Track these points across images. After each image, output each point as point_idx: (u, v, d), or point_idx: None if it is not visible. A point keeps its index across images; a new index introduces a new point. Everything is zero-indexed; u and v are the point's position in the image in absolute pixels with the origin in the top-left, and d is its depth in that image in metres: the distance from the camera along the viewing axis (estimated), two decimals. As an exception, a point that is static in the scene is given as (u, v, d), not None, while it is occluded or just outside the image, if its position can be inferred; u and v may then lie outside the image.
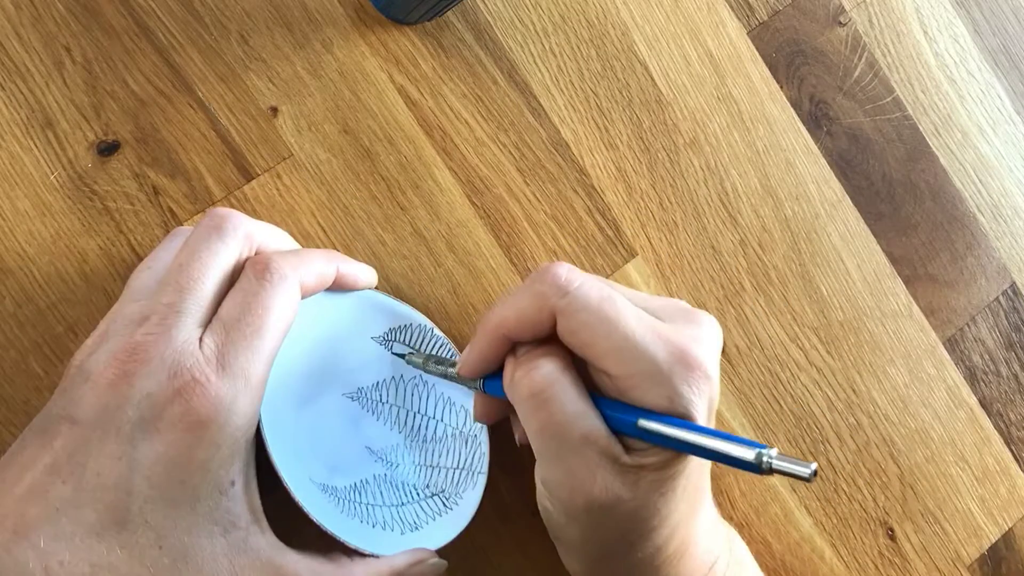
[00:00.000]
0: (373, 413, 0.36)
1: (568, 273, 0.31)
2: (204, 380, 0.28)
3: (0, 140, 0.35)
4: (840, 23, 0.46)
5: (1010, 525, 0.45)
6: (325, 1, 0.39)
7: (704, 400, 0.30)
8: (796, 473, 0.27)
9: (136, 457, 0.27)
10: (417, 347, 0.37)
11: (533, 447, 0.31)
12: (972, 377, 0.46)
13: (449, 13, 0.40)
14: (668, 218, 0.43)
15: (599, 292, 0.30)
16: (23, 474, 0.27)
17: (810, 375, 0.44)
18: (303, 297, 0.32)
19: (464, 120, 0.40)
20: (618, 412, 0.30)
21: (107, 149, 0.36)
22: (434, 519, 0.35)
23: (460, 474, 0.37)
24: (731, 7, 0.45)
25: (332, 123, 0.39)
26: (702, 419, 0.30)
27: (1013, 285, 0.48)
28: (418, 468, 0.37)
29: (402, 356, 0.37)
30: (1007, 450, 0.46)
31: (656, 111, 0.43)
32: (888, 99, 0.47)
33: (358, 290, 0.36)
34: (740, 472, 0.42)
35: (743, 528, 0.42)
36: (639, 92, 0.43)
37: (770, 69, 0.45)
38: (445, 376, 0.35)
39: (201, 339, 0.29)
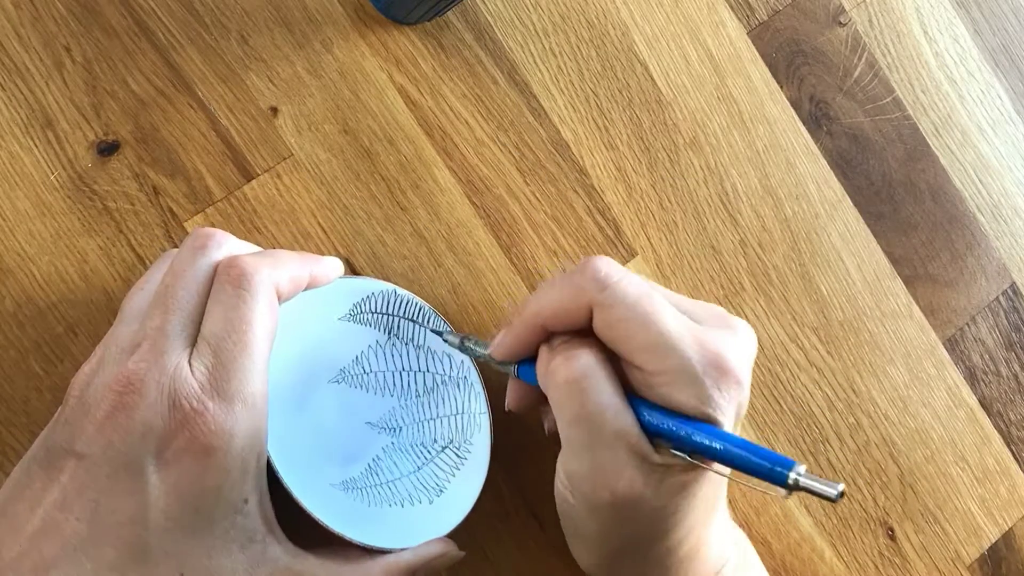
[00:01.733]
0: (361, 387, 0.37)
1: (608, 267, 0.31)
2: (202, 410, 0.28)
3: (0, 140, 0.35)
4: (840, 23, 0.46)
5: (1010, 525, 0.45)
6: (325, 1, 0.39)
7: (732, 406, 0.30)
8: (823, 493, 0.27)
9: (149, 491, 0.27)
10: (387, 312, 0.37)
11: (562, 436, 0.31)
12: (972, 377, 0.46)
13: (449, 13, 0.40)
14: (668, 218, 0.43)
15: (638, 288, 0.30)
16: (34, 509, 0.27)
17: (810, 375, 0.44)
18: (281, 300, 0.31)
19: (464, 120, 0.40)
20: (651, 412, 0.30)
21: (107, 149, 0.36)
22: (453, 475, 0.36)
23: (462, 419, 0.37)
24: (731, 7, 0.45)
25: (332, 123, 0.39)
26: (728, 424, 0.30)
27: (1013, 285, 0.48)
28: (420, 424, 0.37)
29: (439, 333, 0.37)
30: (1007, 450, 0.46)
31: (656, 111, 0.43)
32: (888, 99, 0.47)
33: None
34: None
35: (743, 528, 0.42)
36: (639, 92, 0.43)
37: (770, 69, 0.45)
38: (479, 356, 0.35)
39: (191, 363, 0.28)
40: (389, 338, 0.37)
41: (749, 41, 0.45)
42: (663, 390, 0.30)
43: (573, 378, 0.30)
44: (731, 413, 0.30)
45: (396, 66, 0.40)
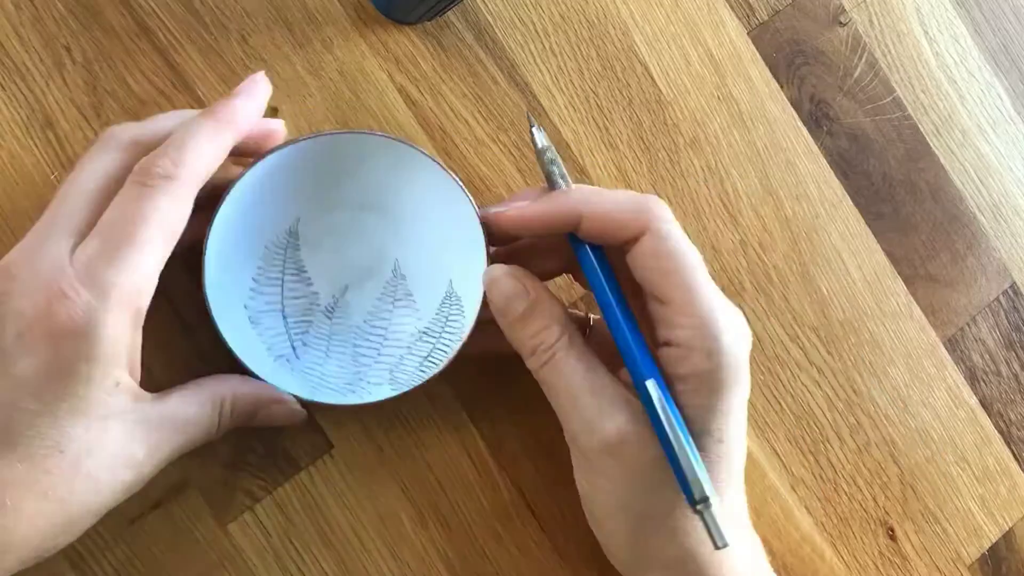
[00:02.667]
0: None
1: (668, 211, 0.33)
2: (72, 295, 0.28)
3: (0, 140, 0.35)
4: (840, 23, 0.46)
5: (1010, 525, 0.45)
6: (325, 1, 0.39)
7: (742, 405, 0.32)
8: (712, 534, 0.30)
9: (16, 374, 0.28)
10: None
11: (555, 407, 0.33)
12: (972, 377, 0.46)
13: (449, 13, 0.40)
14: (668, 218, 0.43)
15: (688, 242, 0.33)
16: None
17: (810, 375, 0.44)
18: (204, 181, 0.31)
19: (464, 120, 0.40)
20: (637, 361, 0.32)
21: (107, 149, 0.36)
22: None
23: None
24: (731, 7, 0.45)
25: (332, 123, 0.39)
26: (731, 420, 0.32)
27: (1013, 285, 0.48)
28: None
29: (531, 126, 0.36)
30: (1007, 450, 0.46)
31: (656, 111, 0.43)
32: (888, 99, 0.47)
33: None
34: (740, 472, 0.42)
35: (743, 528, 0.42)
36: (639, 92, 0.43)
37: (770, 69, 0.45)
38: (548, 164, 0.34)
39: (74, 251, 0.29)
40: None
41: (749, 41, 0.45)
42: (679, 341, 0.31)
43: (543, 362, 0.32)
44: (733, 408, 0.32)
45: (396, 66, 0.40)
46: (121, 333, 0.29)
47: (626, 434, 0.31)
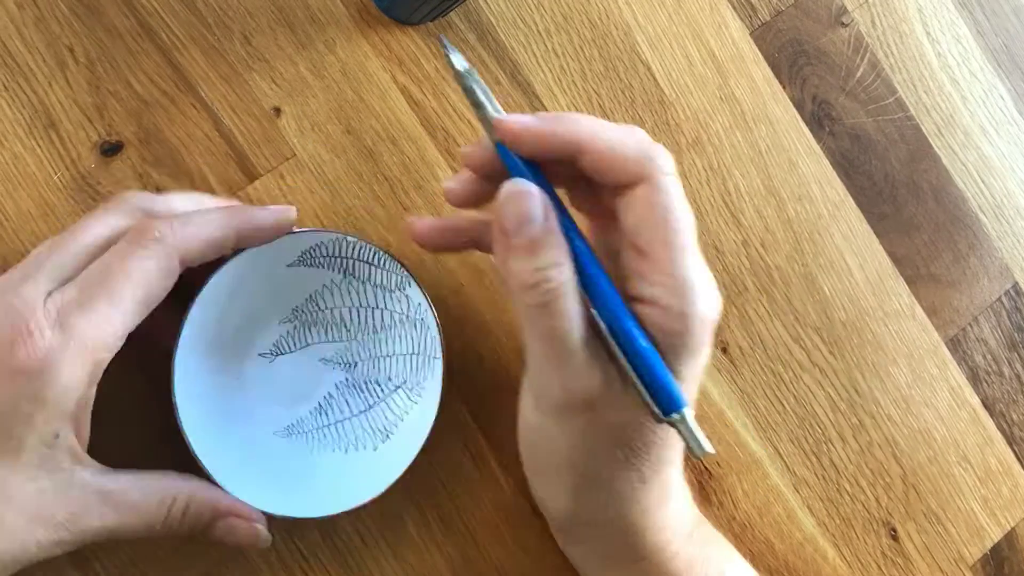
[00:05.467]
0: (317, 325, 0.37)
1: (672, 163, 0.30)
2: (37, 333, 0.27)
3: (3, 140, 0.35)
4: (843, 24, 0.46)
5: (1013, 525, 0.45)
6: (328, 1, 0.39)
7: (698, 370, 0.31)
8: (692, 445, 0.28)
9: None
10: (341, 255, 0.36)
11: (531, 347, 0.30)
12: (975, 377, 0.46)
13: (452, 14, 0.41)
14: (671, 218, 0.43)
15: (686, 203, 0.30)
16: None
17: (813, 375, 0.44)
18: (193, 264, 0.30)
19: (467, 120, 0.40)
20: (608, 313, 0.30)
21: (110, 149, 0.36)
22: (402, 419, 0.36)
23: (417, 360, 0.37)
24: (734, 8, 0.45)
25: (335, 123, 0.39)
26: (692, 385, 0.31)
27: (1015, 285, 0.48)
28: (376, 360, 0.37)
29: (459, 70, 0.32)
30: (1009, 450, 0.46)
31: (659, 111, 0.43)
32: (891, 100, 0.47)
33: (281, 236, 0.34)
34: (743, 473, 0.42)
35: (745, 528, 0.42)
36: (642, 93, 0.43)
37: (773, 69, 0.45)
38: (476, 101, 0.31)
39: (51, 293, 0.28)
40: (344, 277, 0.37)
41: (752, 41, 0.45)
42: (654, 299, 0.29)
43: (544, 302, 0.29)
44: (695, 375, 0.31)
45: (399, 66, 0.40)
46: (75, 383, 0.28)
47: (602, 395, 0.30)
